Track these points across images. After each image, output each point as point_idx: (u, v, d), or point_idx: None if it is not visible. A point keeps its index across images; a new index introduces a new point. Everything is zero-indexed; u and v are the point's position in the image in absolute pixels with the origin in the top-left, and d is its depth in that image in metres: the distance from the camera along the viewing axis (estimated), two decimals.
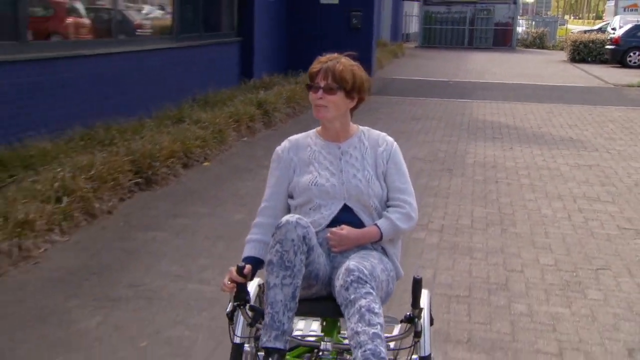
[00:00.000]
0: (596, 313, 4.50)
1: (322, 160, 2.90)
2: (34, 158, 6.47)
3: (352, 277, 2.46)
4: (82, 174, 6.18)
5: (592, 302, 4.67)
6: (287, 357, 2.66)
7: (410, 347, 2.67)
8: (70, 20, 9.12)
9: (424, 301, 2.77)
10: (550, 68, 25.74)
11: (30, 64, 7.41)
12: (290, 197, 2.94)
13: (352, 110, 2.95)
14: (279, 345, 2.49)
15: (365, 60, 11.79)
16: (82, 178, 6.11)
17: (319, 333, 2.99)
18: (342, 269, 2.53)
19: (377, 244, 2.84)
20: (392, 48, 28.60)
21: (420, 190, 7.50)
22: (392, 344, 2.76)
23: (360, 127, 3.02)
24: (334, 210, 2.82)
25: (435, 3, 39.44)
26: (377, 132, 3.03)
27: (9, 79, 6.99)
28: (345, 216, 2.81)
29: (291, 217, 2.60)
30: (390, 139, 3.00)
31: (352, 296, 2.43)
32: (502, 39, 38.18)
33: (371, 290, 2.45)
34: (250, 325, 2.62)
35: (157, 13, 11.67)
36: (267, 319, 2.52)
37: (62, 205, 5.72)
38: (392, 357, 2.81)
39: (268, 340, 2.49)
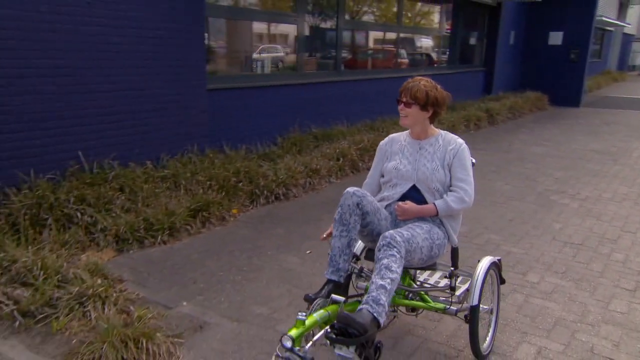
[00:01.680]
0: None
1: (405, 152, 2.62)
2: (333, 136, 6.90)
3: (384, 241, 2.20)
4: (354, 145, 6.49)
5: None
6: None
7: (448, 297, 2.53)
8: (395, 60, 9.58)
9: (482, 264, 2.49)
10: None
11: (344, 83, 7.86)
12: (382, 176, 2.70)
13: (432, 118, 2.59)
14: (334, 277, 2.35)
15: (577, 84, 10.61)
16: (354, 148, 6.42)
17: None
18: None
19: (435, 217, 2.52)
20: (614, 75, 24.64)
21: (584, 171, 6.69)
22: (454, 291, 2.52)
23: (441, 131, 2.66)
24: (404, 188, 2.55)
25: None
26: (453, 135, 2.63)
27: (332, 92, 7.51)
28: (412, 194, 2.54)
29: (351, 189, 2.41)
30: (460, 141, 2.58)
31: (380, 256, 2.18)
32: None
33: (396, 254, 2.16)
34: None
35: (444, 55, 11.59)
36: (329, 259, 2.39)
37: (339, 162, 6.16)
38: (456, 301, 2.53)
39: (327, 273, 2.38)
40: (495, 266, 2.66)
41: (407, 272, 2.62)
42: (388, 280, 2.10)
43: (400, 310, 2.72)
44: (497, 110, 10.27)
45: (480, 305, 2.48)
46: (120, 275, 3.49)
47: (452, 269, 2.39)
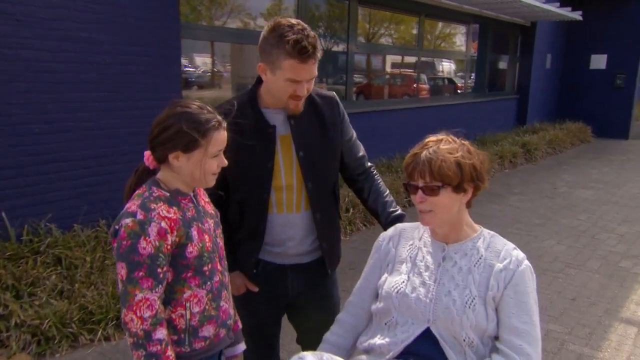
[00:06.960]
0: None
1: (419, 262, 1.48)
2: None
3: None
4: None
5: None
6: None
7: None
8: (415, 85, 8.43)
9: None
10: None
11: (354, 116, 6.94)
12: (376, 297, 1.55)
13: (470, 202, 1.48)
14: None
15: (624, 113, 9.20)
16: None
17: None
18: None
19: None
20: None
21: None
22: None
23: (483, 229, 1.50)
24: (411, 334, 1.39)
25: None
26: (505, 241, 1.46)
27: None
28: (425, 348, 1.37)
29: (304, 354, 1.32)
30: (520, 254, 1.42)
31: None
32: None
33: None
34: None
35: (470, 81, 10.52)
36: None
37: (348, 214, 5.15)
38: None
39: None
40: None
41: None
42: None
43: None
44: (535, 144, 9.13)
45: None
46: None
47: None
